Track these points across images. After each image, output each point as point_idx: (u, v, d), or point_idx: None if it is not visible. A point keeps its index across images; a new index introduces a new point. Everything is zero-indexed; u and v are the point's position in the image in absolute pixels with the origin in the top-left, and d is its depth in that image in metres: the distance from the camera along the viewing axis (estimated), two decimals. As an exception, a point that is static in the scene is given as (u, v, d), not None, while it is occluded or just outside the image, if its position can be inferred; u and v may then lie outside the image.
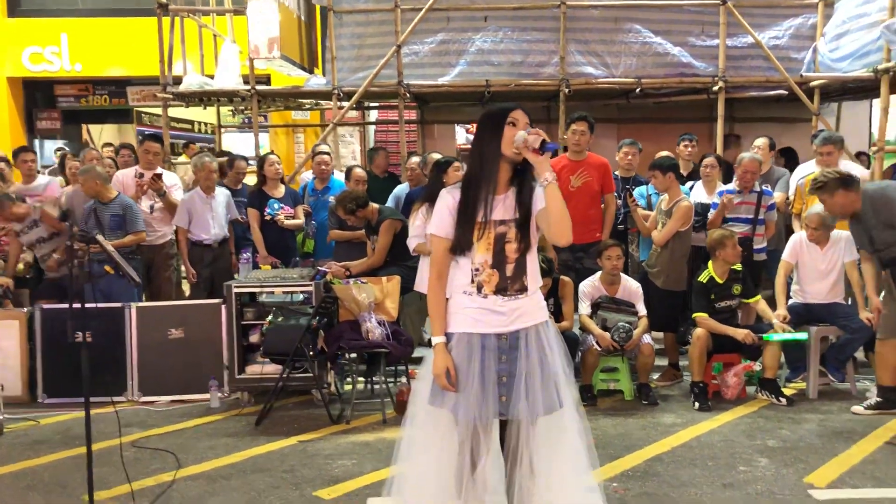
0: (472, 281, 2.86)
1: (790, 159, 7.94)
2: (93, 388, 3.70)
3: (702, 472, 4.35)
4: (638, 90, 8.22)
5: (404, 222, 6.12)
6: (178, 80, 8.49)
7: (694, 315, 5.79)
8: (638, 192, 6.74)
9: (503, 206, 2.85)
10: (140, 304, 6.16)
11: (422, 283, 5.86)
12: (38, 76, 12.32)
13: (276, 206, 6.86)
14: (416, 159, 7.51)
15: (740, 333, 5.62)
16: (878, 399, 5.36)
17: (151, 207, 6.86)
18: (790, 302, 6.00)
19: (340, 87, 8.18)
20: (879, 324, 5.32)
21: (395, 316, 5.79)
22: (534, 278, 2.92)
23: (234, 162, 7.68)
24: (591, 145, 6.53)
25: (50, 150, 11.93)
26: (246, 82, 8.41)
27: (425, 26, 8.03)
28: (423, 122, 10.43)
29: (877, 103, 7.99)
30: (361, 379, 6.14)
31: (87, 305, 3.66)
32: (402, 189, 7.42)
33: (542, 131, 2.76)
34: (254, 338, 5.94)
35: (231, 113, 10.83)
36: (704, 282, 5.80)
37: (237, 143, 12.18)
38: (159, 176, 6.89)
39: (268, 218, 6.84)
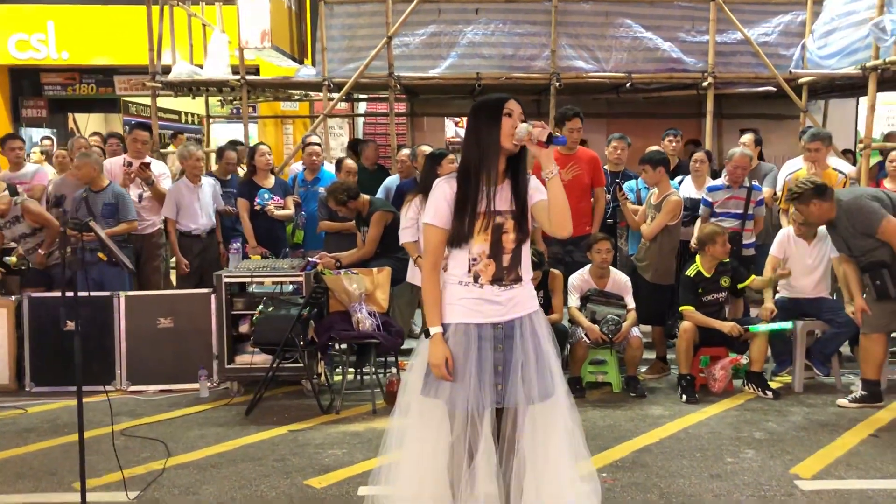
0: (469, 271, 2.87)
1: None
2: (81, 376, 3.68)
3: (689, 463, 4.40)
4: (628, 85, 8.25)
5: (395, 214, 6.13)
6: (166, 70, 8.44)
7: (681, 308, 5.84)
8: (627, 186, 6.78)
9: (500, 197, 2.87)
10: (129, 293, 6.13)
11: (414, 275, 5.87)
12: (24, 64, 12.24)
13: (266, 196, 6.85)
14: (406, 151, 7.51)
15: (726, 326, 5.67)
16: (863, 392, 5.43)
17: (140, 196, 6.83)
18: (777, 296, 6.06)
19: (330, 79, 8.17)
20: (863, 319, 5.39)
21: (386, 307, 5.80)
22: (527, 268, 2.95)
23: (224, 152, 7.66)
24: (580, 137, 6.55)
25: (35, 138, 11.82)
26: (235, 72, 8.38)
27: (416, 18, 8.02)
28: (413, 114, 10.42)
29: (864, 101, 8.07)
30: (351, 369, 6.15)
31: (78, 294, 3.65)
32: (392, 181, 7.42)
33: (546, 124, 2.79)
34: (243, 328, 5.93)
35: (220, 103, 10.79)
36: (692, 276, 5.85)
37: (225, 133, 12.13)
38: (147, 165, 6.86)
39: (258, 208, 6.83)
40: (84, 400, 3.67)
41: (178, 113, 14.04)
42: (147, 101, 10.99)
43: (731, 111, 9.68)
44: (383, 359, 6.10)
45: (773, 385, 5.83)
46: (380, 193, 7.18)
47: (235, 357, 5.88)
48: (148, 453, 4.64)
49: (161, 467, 4.38)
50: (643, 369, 6.21)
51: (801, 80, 8.01)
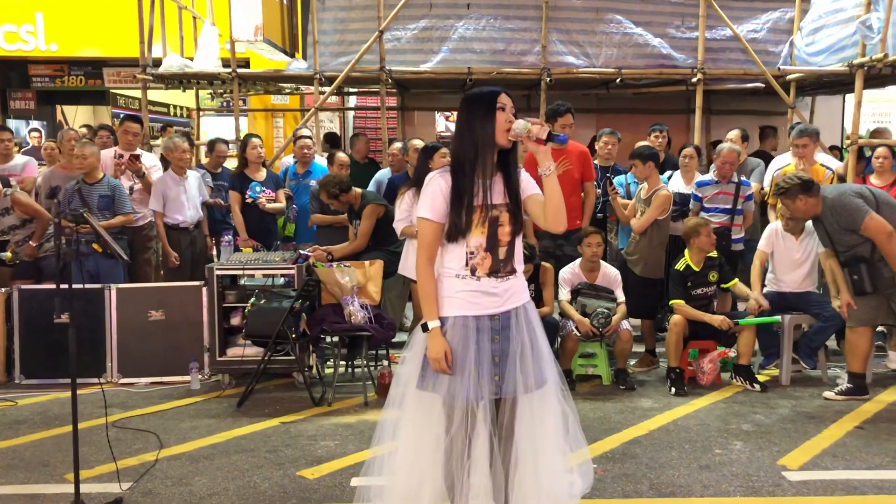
0: (467, 264, 2.88)
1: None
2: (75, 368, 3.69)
3: (679, 454, 4.45)
4: (618, 80, 8.29)
5: (387, 207, 6.15)
6: (156, 63, 8.41)
7: (671, 302, 5.89)
8: (617, 180, 6.82)
9: (495, 191, 2.88)
10: (120, 285, 6.12)
11: (406, 267, 5.90)
12: (12, 55, 12.13)
13: (257, 188, 6.85)
14: (398, 145, 7.53)
15: (716, 320, 5.73)
16: (849, 385, 5.50)
17: (131, 189, 6.80)
18: (765, 290, 6.12)
19: (322, 72, 8.17)
20: (849, 313, 5.46)
21: (378, 300, 5.82)
22: (519, 259, 2.98)
23: (215, 145, 7.65)
24: (571, 133, 6.58)
25: (23, 132, 11.77)
26: (226, 65, 8.36)
27: (408, 12, 8.02)
28: (404, 108, 10.43)
29: (850, 98, 8.14)
30: (343, 362, 6.16)
31: (70, 286, 3.65)
32: (383, 174, 7.43)
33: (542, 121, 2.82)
34: (235, 320, 5.94)
35: (209, 96, 10.76)
36: (681, 269, 5.90)
37: (215, 126, 12.11)
38: (137, 157, 6.84)
39: (249, 201, 6.83)
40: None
41: (167, 106, 13.97)
42: (136, 93, 10.96)
43: (719, 107, 9.74)
44: (375, 351, 6.12)
45: (761, 378, 5.88)
46: (371, 187, 7.19)
47: (227, 349, 5.89)
48: (140, 445, 4.65)
49: (154, 459, 4.40)
50: (633, 362, 6.27)
51: (789, 77, 8.08)
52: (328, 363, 6.30)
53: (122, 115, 9.74)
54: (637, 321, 6.39)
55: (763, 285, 6.16)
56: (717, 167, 6.44)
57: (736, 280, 6.03)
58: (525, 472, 2.87)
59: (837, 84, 8.54)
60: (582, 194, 6.50)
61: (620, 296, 5.95)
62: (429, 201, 2.88)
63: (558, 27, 8.10)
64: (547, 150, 2.83)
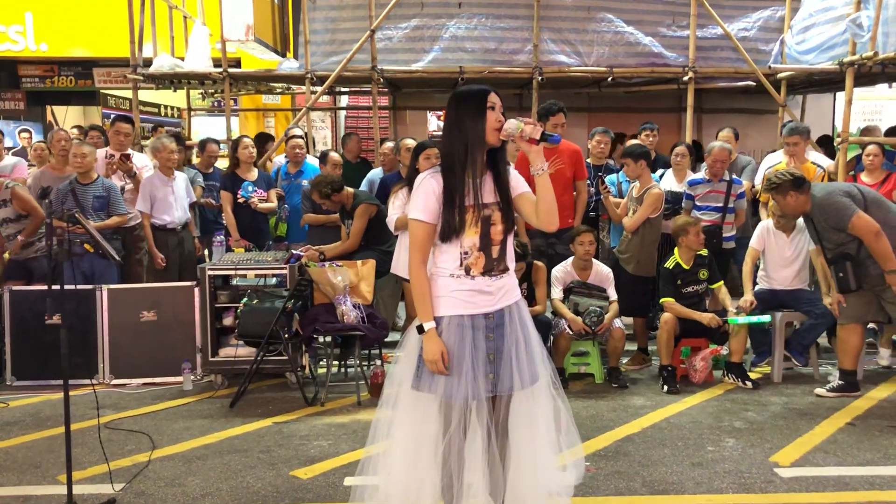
0: (461, 264, 2.87)
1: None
2: (68, 368, 3.67)
3: (671, 451, 4.46)
4: (609, 79, 8.31)
5: (380, 207, 6.14)
6: (147, 62, 8.38)
7: (661, 300, 5.91)
8: (609, 179, 6.83)
9: (485, 190, 2.88)
10: (111, 286, 6.10)
11: (398, 266, 5.89)
12: (1, 56, 12.06)
13: (249, 188, 6.84)
14: (389, 144, 7.52)
15: (706, 317, 5.75)
16: (840, 382, 5.53)
17: (122, 189, 6.78)
18: (756, 288, 6.14)
19: (313, 72, 8.15)
20: (840, 310, 5.49)
21: (370, 299, 5.82)
22: (511, 257, 2.99)
23: (206, 145, 7.62)
24: (563, 133, 6.60)
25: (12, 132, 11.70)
26: (217, 65, 8.34)
27: (399, 11, 8.02)
28: (395, 108, 10.44)
29: (841, 96, 8.17)
30: (336, 362, 6.16)
31: (62, 287, 3.64)
32: (375, 174, 7.43)
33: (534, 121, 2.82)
34: (227, 320, 5.91)
35: (200, 96, 10.73)
36: (671, 268, 5.92)
37: (207, 126, 12.07)
38: (128, 157, 6.82)
39: (241, 201, 6.82)
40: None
41: (158, 106, 13.93)
42: (126, 93, 10.90)
43: (710, 105, 9.77)
44: (367, 351, 6.11)
45: (753, 375, 5.91)
46: (363, 186, 7.19)
47: (219, 350, 5.87)
48: (133, 446, 4.63)
49: (146, 459, 4.38)
50: (625, 360, 6.28)
51: (780, 75, 8.11)
52: (321, 363, 6.29)
53: (112, 116, 9.71)
54: (629, 319, 6.40)
55: (755, 283, 6.19)
56: (709, 166, 6.46)
57: (721, 283, 6.04)
58: (519, 469, 2.88)
59: (828, 82, 8.57)
60: (574, 193, 6.51)
61: (613, 294, 5.97)
62: (421, 202, 2.86)
63: (550, 26, 8.11)
64: (539, 150, 2.83)
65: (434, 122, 11.84)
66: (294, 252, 6.06)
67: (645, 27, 8.23)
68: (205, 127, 11.98)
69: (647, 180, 6.22)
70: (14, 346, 5.99)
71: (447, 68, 8.11)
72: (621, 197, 6.64)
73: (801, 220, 5.87)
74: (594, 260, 6.04)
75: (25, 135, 10.41)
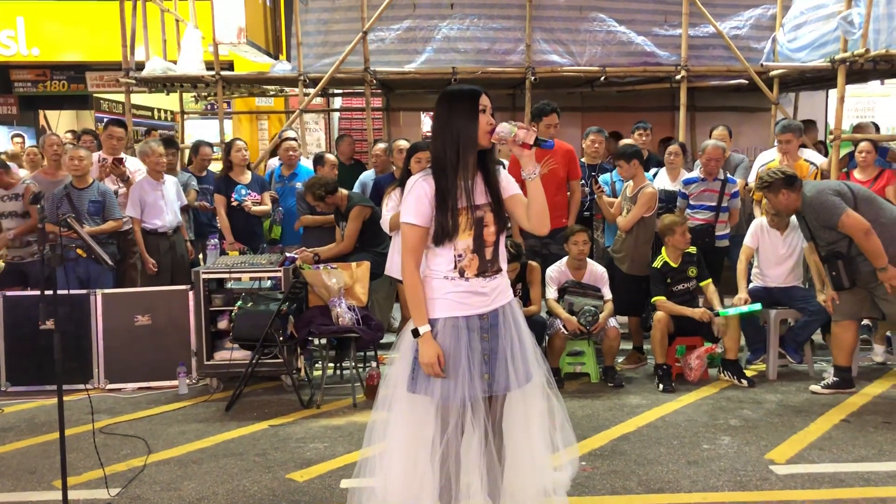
0: (455, 267, 2.87)
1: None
2: (62, 374, 3.66)
3: (667, 450, 4.47)
4: (602, 78, 8.32)
5: (374, 208, 6.14)
6: (139, 66, 8.37)
7: (653, 299, 5.92)
8: (603, 179, 6.84)
9: (477, 191, 2.87)
10: (106, 290, 6.09)
11: (392, 268, 5.89)
12: (-7, 61, 12.05)
13: (243, 191, 6.82)
14: (382, 146, 7.52)
15: (696, 312, 5.77)
16: (835, 379, 5.54)
17: (115, 193, 6.77)
18: (751, 285, 6.15)
19: (306, 74, 8.15)
20: (834, 307, 5.50)
21: (365, 301, 5.81)
22: (504, 258, 2.99)
23: (199, 148, 7.61)
24: (556, 133, 6.60)
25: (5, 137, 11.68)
26: (209, 68, 8.33)
27: (391, 13, 8.02)
28: (389, 109, 10.43)
29: (833, 93, 8.19)
30: (331, 364, 6.15)
31: (57, 291, 3.63)
32: (368, 175, 7.42)
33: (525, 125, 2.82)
34: (222, 324, 5.91)
35: (193, 99, 10.71)
36: (659, 266, 5.94)
37: (200, 129, 12.06)
38: (121, 160, 6.80)
39: (235, 204, 6.80)
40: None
41: (151, 109, 13.92)
42: (119, 97, 10.91)
43: (703, 104, 9.79)
44: (363, 353, 6.11)
45: (748, 373, 5.92)
46: (356, 188, 7.19)
47: (214, 353, 5.87)
48: (128, 450, 4.62)
49: (142, 464, 4.37)
50: (620, 360, 6.29)
51: (772, 73, 8.13)
52: (316, 365, 6.29)
53: (105, 120, 9.69)
54: (624, 318, 6.41)
55: (749, 280, 6.20)
56: (703, 164, 6.47)
57: (709, 281, 6.06)
58: (515, 468, 2.89)
59: (820, 80, 8.60)
60: (568, 193, 6.52)
61: (607, 293, 5.98)
62: (413, 206, 2.84)
63: (542, 26, 8.12)
64: (531, 154, 2.81)
65: (427, 123, 11.83)
66: (288, 255, 6.05)
67: (637, 26, 8.24)
68: (198, 130, 11.97)
69: (640, 179, 6.23)
70: (8, 351, 5.98)
71: (440, 69, 8.11)
72: (615, 196, 6.65)
73: (794, 219, 5.89)
74: (588, 259, 6.04)
75: (18, 139, 10.38)
